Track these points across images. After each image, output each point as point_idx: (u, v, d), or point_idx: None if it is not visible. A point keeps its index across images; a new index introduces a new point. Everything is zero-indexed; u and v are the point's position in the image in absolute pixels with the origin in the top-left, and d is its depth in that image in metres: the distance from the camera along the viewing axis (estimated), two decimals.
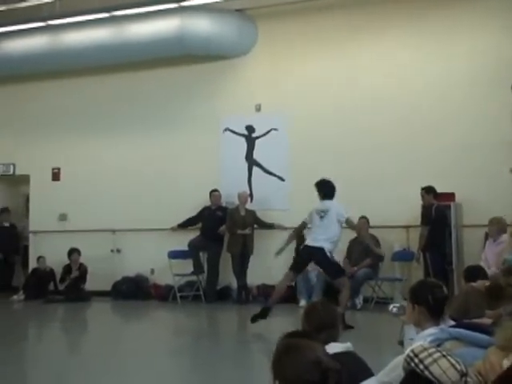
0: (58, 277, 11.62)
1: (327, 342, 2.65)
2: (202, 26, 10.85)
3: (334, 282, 8.04)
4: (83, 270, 11.41)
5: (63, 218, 12.18)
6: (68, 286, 11.32)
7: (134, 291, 11.14)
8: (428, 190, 9.41)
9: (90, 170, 11.98)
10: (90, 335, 8.55)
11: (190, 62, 11.42)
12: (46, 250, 11.94)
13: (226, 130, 11.29)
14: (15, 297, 11.48)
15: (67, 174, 12.23)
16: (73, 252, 11.46)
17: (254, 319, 7.56)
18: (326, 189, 7.91)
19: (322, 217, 7.72)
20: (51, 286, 11.73)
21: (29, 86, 12.51)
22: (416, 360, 2.13)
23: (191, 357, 6.60)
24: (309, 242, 7.80)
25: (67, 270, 11.48)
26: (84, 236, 11.76)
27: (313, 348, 1.98)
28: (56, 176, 12.33)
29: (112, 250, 11.69)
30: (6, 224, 12.58)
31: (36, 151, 12.33)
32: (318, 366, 1.91)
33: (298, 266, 7.98)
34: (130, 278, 11.35)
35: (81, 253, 11.46)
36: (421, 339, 2.66)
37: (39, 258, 11.79)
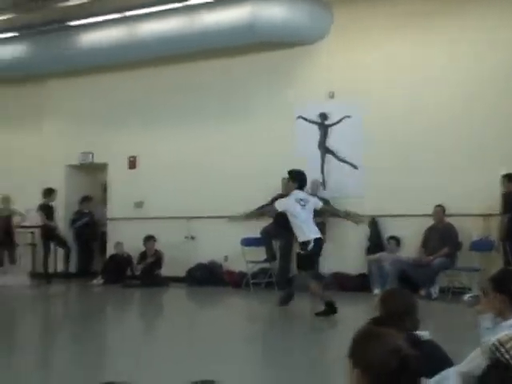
0: (135, 262, 11.95)
1: (408, 330, 2.60)
2: (275, 12, 10.77)
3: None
4: (158, 256, 11.67)
5: (139, 205, 12.46)
6: (144, 272, 11.60)
7: (207, 277, 11.31)
8: (509, 178, 9.10)
9: (165, 158, 12.20)
10: (166, 320, 8.71)
11: (261, 49, 11.41)
12: (123, 237, 12.28)
13: (299, 117, 11.23)
14: (94, 281, 11.89)
15: (143, 162, 12.51)
16: (148, 239, 11.74)
17: (321, 315, 7.65)
18: (302, 179, 8.03)
19: (303, 205, 7.78)
20: (128, 272, 12.07)
21: (105, 77, 12.84)
22: (502, 349, 2.06)
23: (265, 343, 6.63)
24: (315, 235, 7.79)
25: (143, 256, 11.78)
26: (159, 223, 12.01)
27: (392, 335, 1.95)
28: (132, 164, 12.63)
29: (186, 237, 11.89)
30: (86, 211, 13.02)
31: (113, 140, 12.66)
32: (397, 354, 1.87)
33: (314, 263, 8.33)
34: (204, 264, 11.52)
35: (156, 239, 11.73)
36: (505, 329, 2.57)
37: (117, 243, 12.14)
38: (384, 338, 1.93)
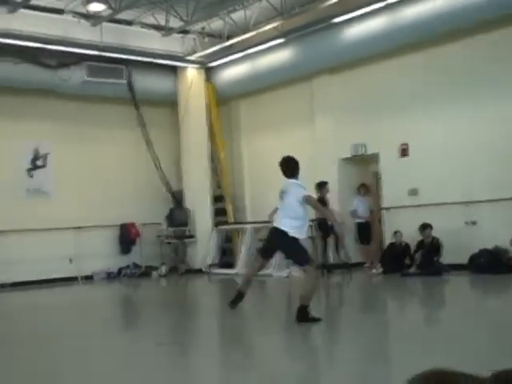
0: (413, 251, 11.83)
1: None
2: None
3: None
4: (436, 244, 11.41)
5: (414, 192, 12.31)
6: (422, 260, 11.44)
7: (492, 264, 10.72)
8: None
9: (438, 143, 11.88)
10: (448, 309, 8.46)
11: None
12: (399, 225, 12.24)
13: None
14: (374, 271, 12.06)
15: (415, 149, 12.32)
16: (425, 227, 11.54)
17: (231, 305, 7.66)
18: (282, 167, 7.47)
19: (282, 198, 7.33)
20: (407, 260, 12.00)
21: (370, 68, 12.96)
22: None
23: None
24: (274, 223, 7.41)
25: (420, 244, 11.62)
26: (436, 209, 11.75)
27: None
28: (404, 152, 12.52)
29: (466, 223, 11.43)
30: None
31: (384, 130, 12.69)
32: None
33: (264, 249, 7.72)
34: (488, 250, 10.95)
35: (433, 227, 11.47)
36: None
37: (395, 232, 12.14)
38: None
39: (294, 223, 7.13)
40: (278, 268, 13.04)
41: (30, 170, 13.99)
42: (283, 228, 7.13)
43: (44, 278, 13.39)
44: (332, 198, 12.97)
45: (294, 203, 7.16)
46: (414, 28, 11.33)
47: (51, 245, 13.74)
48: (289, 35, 12.95)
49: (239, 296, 7.70)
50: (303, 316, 6.88)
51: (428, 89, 12.08)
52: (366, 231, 13.04)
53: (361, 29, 12.06)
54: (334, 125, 13.60)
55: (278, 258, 13.26)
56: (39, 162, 14.13)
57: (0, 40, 12.06)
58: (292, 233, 7.08)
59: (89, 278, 14.15)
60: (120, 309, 10.93)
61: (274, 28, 12.81)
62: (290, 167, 7.44)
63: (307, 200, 7.25)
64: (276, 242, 7.36)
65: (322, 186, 12.68)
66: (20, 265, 13.21)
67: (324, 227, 12.58)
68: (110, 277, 14.38)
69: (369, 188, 13.35)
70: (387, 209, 12.78)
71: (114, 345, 6.65)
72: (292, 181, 7.36)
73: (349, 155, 13.39)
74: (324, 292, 10.85)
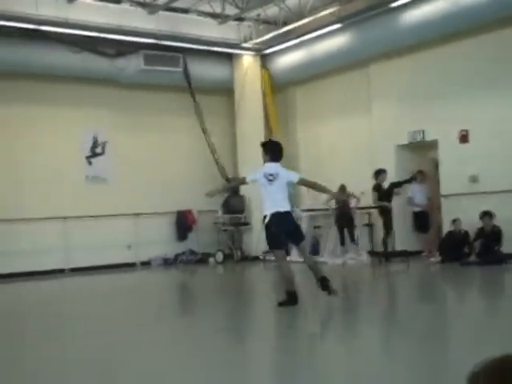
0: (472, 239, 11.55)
1: None
2: None
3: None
4: (496, 232, 11.10)
5: (474, 179, 11.99)
6: (481, 248, 11.16)
7: None
8: None
9: (499, 129, 11.52)
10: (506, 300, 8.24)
11: None
12: (458, 213, 11.96)
13: None
14: (432, 259, 11.84)
15: (475, 135, 11.99)
16: (485, 215, 11.24)
17: (282, 305, 7.24)
18: (274, 150, 7.50)
19: (270, 180, 7.29)
20: (466, 249, 11.73)
21: (427, 53, 12.65)
22: None
23: None
24: (272, 209, 7.27)
25: (480, 232, 11.33)
26: (496, 197, 11.42)
27: None
28: (464, 138, 12.19)
29: None
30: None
31: (443, 116, 12.37)
32: None
33: (278, 242, 7.47)
34: None
35: (493, 214, 11.16)
36: None
37: (454, 220, 11.87)
38: None
39: (287, 202, 7.44)
40: (334, 255, 12.98)
41: (89, 157, 14.28)
42: (287, 209, 7.38)
43: (103, 263, 13.70)
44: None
45: (285, 185, 7.41)
46: (474, 12, 10.99)
47: (110, 231, 14.03)
48: (346, 20, 12.77)
49: (293, 295, 7.35)
50: (327, 284, 7.50)
51: (488, 74, 11.71)
52: (423, 220, 12.75)
53: (418, 13, 11.79)
54: (391, 111, 13.37)
55: (330, 245, 13.27)
56: (98, 150, 14.41)
57: (59, 29, 12.31)
58: (291, 211, 7.54)
59: (146, 264, 14.39)
60: (178, 295, 11.09)
61: (331, 14, 12.65)
62: (279, 151, 7.59)
63: (303, 181, 7.68)
64: (287, 223, 7.43)
65: (379, 173, 12.53)
66: (79, 250, 13.55)
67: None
68: (167, 263, 14.57)
69: (426, 175, 13.05)
70: (446, 196, 12.50)
71: (174, 330, 6.74)
72: (278, 164, 7.50)
73: (406, 142, 13.15)
74: (383, 280, 10.75)
